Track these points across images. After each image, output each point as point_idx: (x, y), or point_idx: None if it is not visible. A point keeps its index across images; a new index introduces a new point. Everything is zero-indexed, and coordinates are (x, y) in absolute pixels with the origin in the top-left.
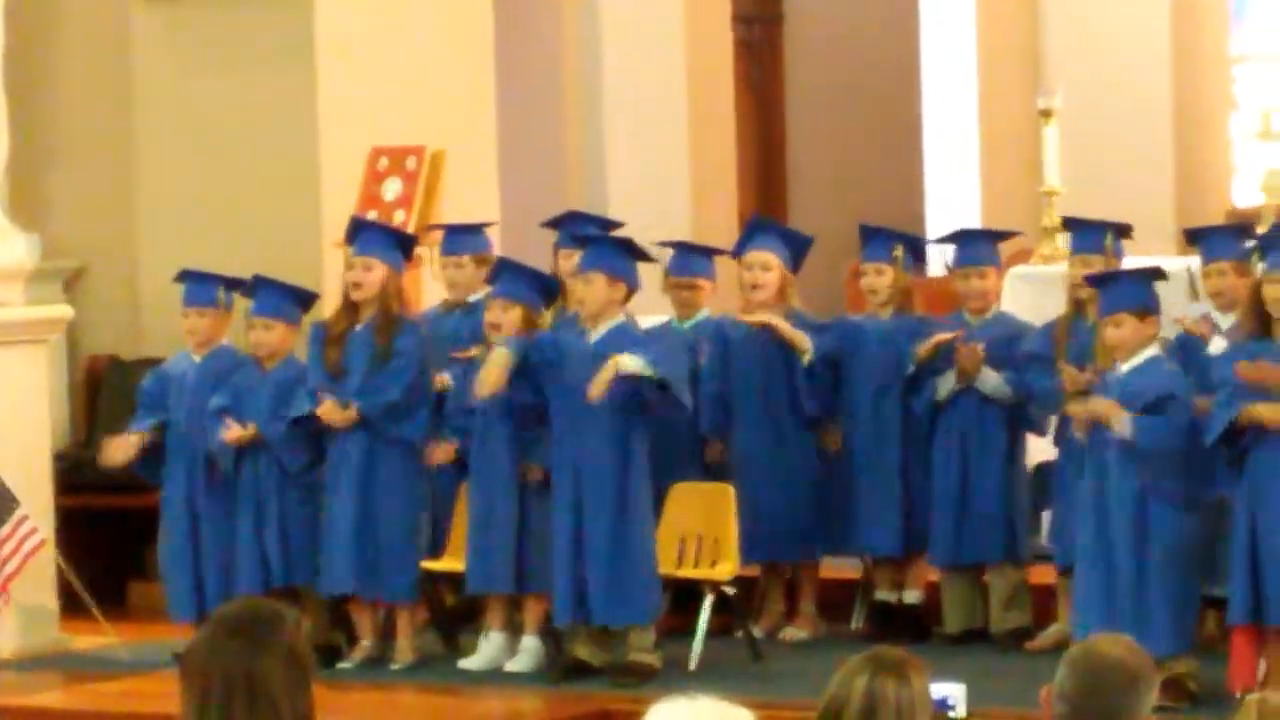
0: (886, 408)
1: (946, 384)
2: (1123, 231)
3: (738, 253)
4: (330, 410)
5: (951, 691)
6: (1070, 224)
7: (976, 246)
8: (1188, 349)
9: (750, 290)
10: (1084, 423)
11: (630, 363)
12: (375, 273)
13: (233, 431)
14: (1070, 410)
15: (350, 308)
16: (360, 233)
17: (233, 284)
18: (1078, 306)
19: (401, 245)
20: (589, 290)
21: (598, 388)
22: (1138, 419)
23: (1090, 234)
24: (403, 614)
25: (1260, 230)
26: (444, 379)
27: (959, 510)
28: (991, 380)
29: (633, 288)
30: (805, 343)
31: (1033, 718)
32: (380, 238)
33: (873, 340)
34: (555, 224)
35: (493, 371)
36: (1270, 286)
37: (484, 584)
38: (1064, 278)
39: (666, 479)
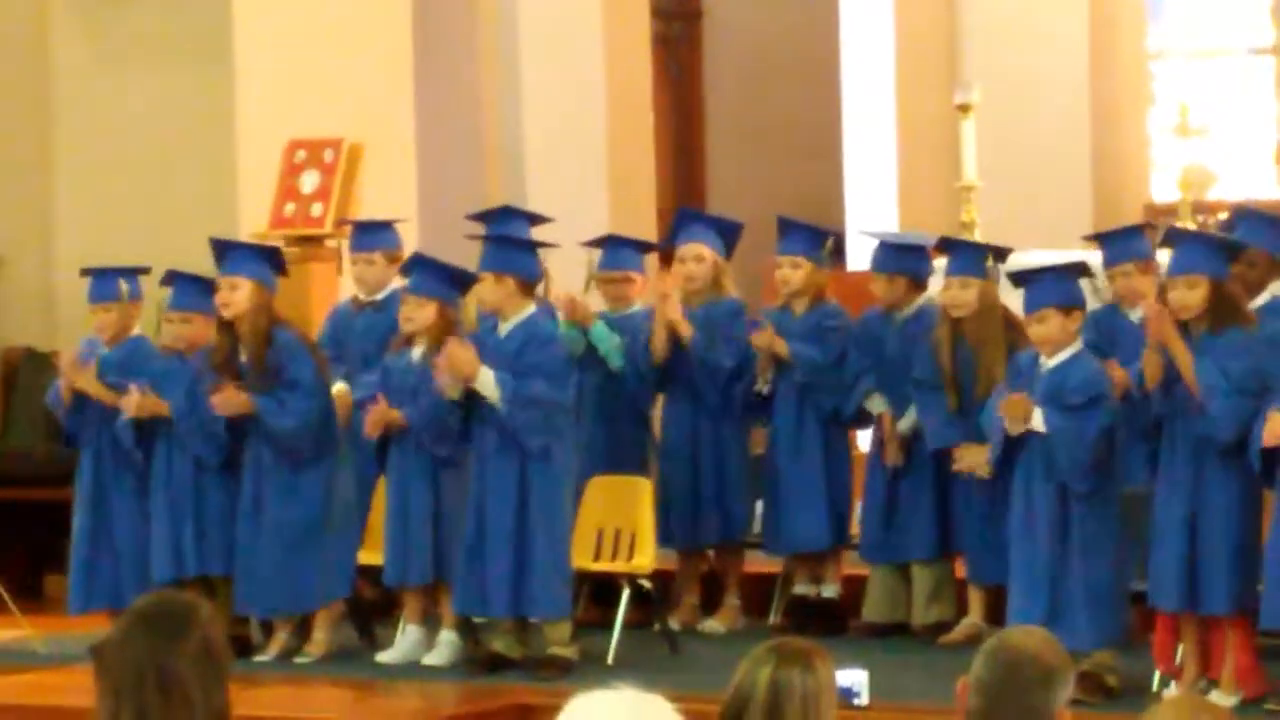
0: (808, 403)
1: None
2: (1001, 255)
3: (669, 245)
4: (227, 397)
5: (855, 680)
6: (947, 245)
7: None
8: (1107, 319)
9: (686, 282)
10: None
11: (485, 384)
12: (241, 291)
13: (131, 399)
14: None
15: (226, 328)
16: (226, 252)
17: (133, 273)
18: (955, 326)
19: (270, 260)
20: (485, 289)
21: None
22: (1052, 417)
23: (969, 256)
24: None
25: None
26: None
27: (888, 507)
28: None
29: (531, 280)
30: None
31: (946, 711)
32: (246, 255)
33: (793, 337)
34: (483, 217)
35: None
36: (1172, 292)
37: (401, 576)
38: (941, 299)
39: (609, 469)
